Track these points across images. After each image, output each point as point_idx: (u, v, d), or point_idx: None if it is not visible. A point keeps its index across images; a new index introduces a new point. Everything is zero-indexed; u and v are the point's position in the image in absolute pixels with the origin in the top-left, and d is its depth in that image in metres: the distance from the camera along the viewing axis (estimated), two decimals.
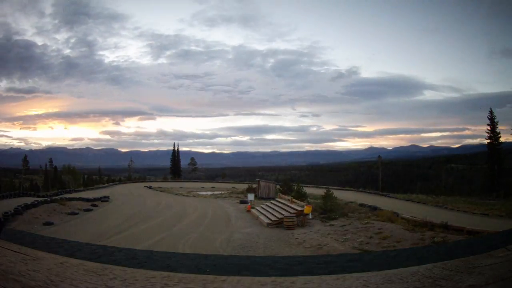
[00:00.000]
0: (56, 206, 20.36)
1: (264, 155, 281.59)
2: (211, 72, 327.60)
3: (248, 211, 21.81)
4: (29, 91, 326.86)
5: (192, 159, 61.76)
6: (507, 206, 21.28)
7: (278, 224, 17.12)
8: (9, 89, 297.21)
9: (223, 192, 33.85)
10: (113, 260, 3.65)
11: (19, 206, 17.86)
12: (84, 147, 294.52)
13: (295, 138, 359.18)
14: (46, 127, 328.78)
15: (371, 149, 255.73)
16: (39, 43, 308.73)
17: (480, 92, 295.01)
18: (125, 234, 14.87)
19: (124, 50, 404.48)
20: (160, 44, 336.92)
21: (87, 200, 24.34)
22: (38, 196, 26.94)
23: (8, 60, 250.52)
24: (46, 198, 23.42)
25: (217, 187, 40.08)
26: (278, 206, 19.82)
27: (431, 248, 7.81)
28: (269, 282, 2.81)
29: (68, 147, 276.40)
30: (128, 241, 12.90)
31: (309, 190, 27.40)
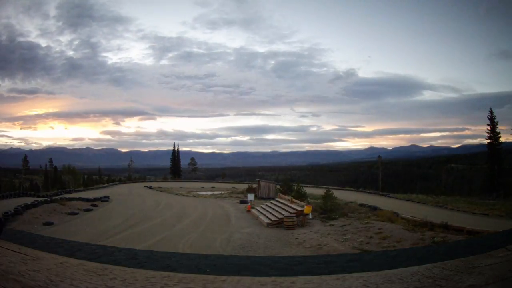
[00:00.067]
0: (56, 206, 20.36)
1: (264, 155, 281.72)
2: (212, 73, 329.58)
3: (248, 211, 21.81)
4: (32, 91, 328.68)
5: (192, 159, 61.77)
6: (507, 206, 21.29)
7: (278, 224, 17.12)
8: (11, 90, 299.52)
9: (223, 192, 33.84)
10: (113, 260, 3.65)
11: (19, 206, 17.86)
12: (84, 147, 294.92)
13: (295, 138, 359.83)
14: (47, 127, 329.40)
15: (371, 149, 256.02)
16: (43, 45, 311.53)
17: (479, 93, 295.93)
18: (125, 234, 14.87)
19: (127, 52, 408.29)
20: (162, 46, 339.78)
21: (87, 200, 24.33)
22: (38, 196, 26.95)
23: (11, 61, 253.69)
24: (46, 198, 23.42)
25: (217, 187, 40.07)
26: (278, 206, 19.82)
27: (431, 248, 7.81)
28: (269, 282, 2.81)
29: (68, 147, 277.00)
30: (128, 241, 12.90)
31: (309, 190, 27.39)
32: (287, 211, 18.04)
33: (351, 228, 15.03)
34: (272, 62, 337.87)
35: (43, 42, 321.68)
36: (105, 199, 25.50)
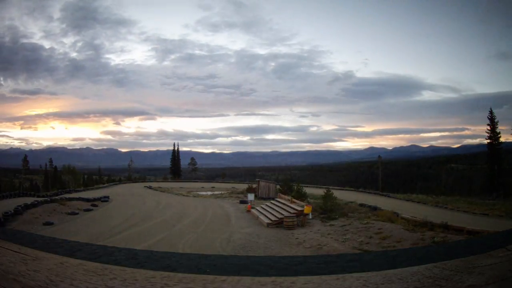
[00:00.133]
0: (56, 206, 20.37)
1: (264, 155, 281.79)
2: (214, 74, 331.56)
3: (248, 211, 21.81)
4: (34, 92, 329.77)
5: (192, 159, 61.75)
6: (507, 206, 21.29)
7: (278, 224, 17.12)
8: (14, 90, 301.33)
9: (223, 192, 33.85)
10: (113, 260, 3.65)
11: (19, 206, 17.87)
12: (84, 147, 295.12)
13: (295, 138, 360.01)
14: (47, 127, 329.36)
15: (371, 149, 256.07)
16: (47, 46, 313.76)
17: (478, 93, 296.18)
18: (125, 234, 14.88)
19: (130, 53, 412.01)
20: (165, 48, 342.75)
21: (87, 200, 24.34)
22: (38, 196, 26.96)
23: (15, 62, 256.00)
24: (46, 198, 23.44)
25: (217, 187, 40.08)
26: (278, 206, 19.82)
27: (431, 248, 7.80)
28: (269, 282, 2.81)
29: (68, 147, 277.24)
30: (128, 241, 12.91)
31: (309, 190, 27.39)
32: (287, 211, 18.05)
33: (351, 228, 15.04)
34: (273, 63, 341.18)
35: (46, 44, 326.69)
36: (105, 199, 25.51)
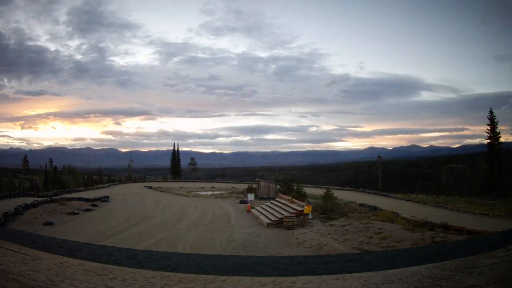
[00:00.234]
0: (56, 206, 20.37)
1: (264, 155, 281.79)
2: (216, 76, 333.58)
3: (248, 211, 21.81)
4: (38, 93, 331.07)
5: (192, 159, 61.76)
6: (507, 206, 21.29)
7: (278, 224, 17.12)
8: (18, 91, 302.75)
9: (223, 192, 33.85)
10: (113, 260, 3.65)
11: (19, 206, 17.87)
12: (84, 147, 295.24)
13: (295, 138, 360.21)
14: (48, 127, 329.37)
15: (371, 149, 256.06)
16: (52, 49, 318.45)
17: (477, 93, 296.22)
18: (125, 234, 14.88)
19: (134, 56, 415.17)
20: (168, 51, 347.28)
21: (87, 200, 24.34)
22: (38, 196, 26.96)
23: (20, 64, 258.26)
24: (46, 198, 23.44)
25: (217, 187, 40.08)
26: (278, 206, 19.82)
27: (431, 248, 7.80)
28: (269, 282, 2.81)
29: (69, 147, 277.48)
30: (128, 241, 12.91)
31: (309, 190, 27.39)
32: (287, 211, 18.05)
33: (351, 228, 15.03)
34: (273, 66, 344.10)
35: (52, 46, 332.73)
36: (105, 199, 25.51)
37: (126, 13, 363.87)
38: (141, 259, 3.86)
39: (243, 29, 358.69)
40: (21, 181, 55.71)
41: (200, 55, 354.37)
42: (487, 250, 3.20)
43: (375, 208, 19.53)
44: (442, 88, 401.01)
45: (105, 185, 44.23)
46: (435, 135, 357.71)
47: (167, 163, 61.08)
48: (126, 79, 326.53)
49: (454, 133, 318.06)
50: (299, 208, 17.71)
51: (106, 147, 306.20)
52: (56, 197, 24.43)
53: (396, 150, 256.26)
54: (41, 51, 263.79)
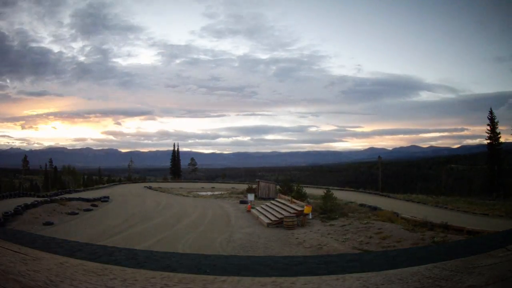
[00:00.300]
0: (56, 206, 20.38)
1: (264, 155, 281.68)
2: (217, 78, 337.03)
3: (248, 211, 21.81)
4: (40, 94, 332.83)
5: (192, 159, 61.75)
6: (507, 206, 21.29)
7: (278, 224, 17.11)
8: (20, 92, 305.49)
9: (223, 193, 33.84)
10: (113, 260, 3.65)
11: (19, 206, 17.88)
12: (84, 147, 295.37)
13: (294, 139, 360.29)
14: (48, 127, 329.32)
15: (371, 149, 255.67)
16: (55, 50, 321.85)
17: (476, 93, 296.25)
18: (125, 234, 14.88)
19: (136, 58, 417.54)
20: (171, 53, 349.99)
21: (87, 200, 24.35)
22: (38, 196, 26.96)
23: (23, 65, 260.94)
24: (46, 198, 23.44)
25: (217, 187, 40.07)
26: (278, 206, 19.82)
27: (431, 248, 7.80)
28: (269, 283, 2.81)
29: (69, 147, 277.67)
30: (128, 241, 12.91)
31: (309, 190, 27.39)
32: (287, 211, 18.04)
33: (351, 228, 15.03)
34: (274, 67, 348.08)
35: (55, 48, 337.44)
36: (105, 199, 25.52)
37: (130, 16, 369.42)
38: (141, 259, 3.86)
39: (244, 32, 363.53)
40: (21, 181, 55.70)
41: (202, 57, 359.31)
42: (487, 250, 3.20)
43: (375, 208, 19.53)
44: (442, 88, 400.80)
45: (105, 185, 44.23)
46: (435, 136, 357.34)
47: (167, 163, 61.05)
48: (128, 80, 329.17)
49: (454, 133, 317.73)
50: (299, 208, 17.71)
51: (106, 148, 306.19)
52: (56, 197, 24.43)
53: (396, 150, 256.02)
54: (45, 52, 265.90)
